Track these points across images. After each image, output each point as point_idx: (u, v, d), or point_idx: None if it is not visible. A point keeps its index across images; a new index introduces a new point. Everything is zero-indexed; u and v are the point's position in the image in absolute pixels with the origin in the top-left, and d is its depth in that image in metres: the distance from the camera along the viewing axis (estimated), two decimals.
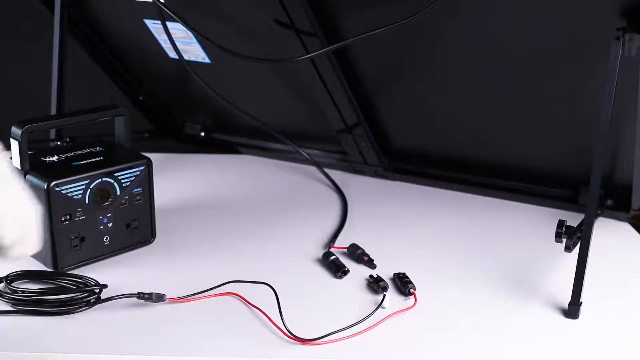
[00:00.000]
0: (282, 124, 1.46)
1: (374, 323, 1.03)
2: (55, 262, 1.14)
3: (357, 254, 1.19)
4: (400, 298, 1.10)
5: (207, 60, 1.53)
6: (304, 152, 1.53)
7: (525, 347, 1.01)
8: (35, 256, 1.14)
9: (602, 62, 1.11)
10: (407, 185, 1.26)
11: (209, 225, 1.32)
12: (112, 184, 1.17)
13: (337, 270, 1.15)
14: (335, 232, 1.29)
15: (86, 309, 1.06)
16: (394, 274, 1.14)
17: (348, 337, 1.00)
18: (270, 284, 1.09)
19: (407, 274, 1.13)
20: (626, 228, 1.33)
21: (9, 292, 1.07)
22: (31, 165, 1.15)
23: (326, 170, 1.54)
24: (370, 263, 1.17)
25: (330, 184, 1.49)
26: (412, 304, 1.08)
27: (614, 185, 1.32)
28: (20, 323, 1.04)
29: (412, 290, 1.10)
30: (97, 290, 1.08)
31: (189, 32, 1.43)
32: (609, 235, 1.28)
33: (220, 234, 1.29)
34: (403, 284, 1.11)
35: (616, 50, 1.09)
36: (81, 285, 1.09)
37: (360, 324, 1.02)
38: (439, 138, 1.46)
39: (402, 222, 1.32)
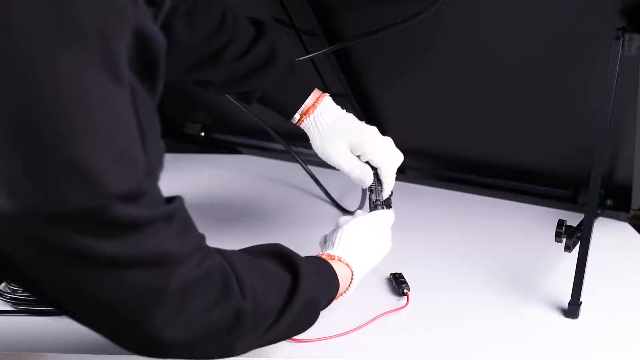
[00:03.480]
0: (281, 124, 1.46)
1: (365, 322, 1.03)
2: None
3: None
4: (394, 298, 1.10)
5: None
6: (297, 150, 1.52)
7: (524, 347, 1.01)
8: None
9: (602, 62, 1.11)
10: (406, 185, 1.26)
11: (208, 225, 1.31)
12: None
13: None
14: None
15: None
16: (390, 274, 1.14)
17: (339, 335, 1.01)
18: None
19: (404, 274, 1.13)
20: (626, 228, 1.33)
21: (9, 292, 1.07)
22: None
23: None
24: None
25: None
26: (404, 304, 1.08)
27: (614, 185, 1.32)
28: (20, 323, 1.04)
29: (405, 290, 1.10)
30: None
31: None
32: (609, 235, 1.28)
33: (219, 234, 1.29)
34: (398, 284, 1.12)
35: (616, 50, 1.09)
36: None
37: (353, 322, 1.02)
38: (439, 138, 1.46)
39: (401, 221, 1.32)
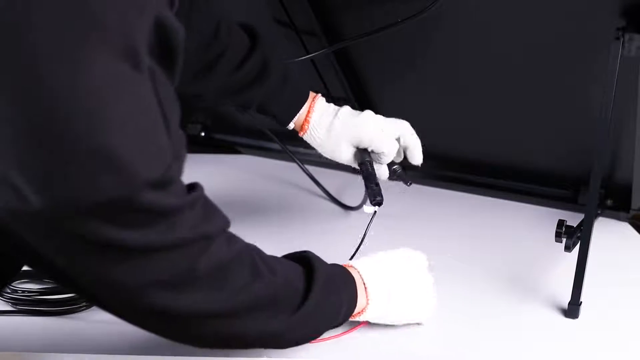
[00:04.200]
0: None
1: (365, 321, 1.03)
2: None
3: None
4: None
5: None
6: (297, 151, 1.53)
7: (524, 347, 1.00)
8: None
9: (602, 62, 1.11)
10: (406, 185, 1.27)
11: None
12: None
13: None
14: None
15: (86, 309, 1.06)
16: None
17: (338, 335, 1.00)
18: None
19: None
20: (626, 228, 1.33)
21: (9, 292, 1.07)
22: None
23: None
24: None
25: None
26: None
27: (614, 185, 1.32)
28: (20, 323, 1.04)
29: None
30: None
31: None
32: (609, 235, 1.28)
33: None
34: None
35: (616, 50, 1.09)
36: None
37: (351, 321, 1.02)
38: (439, 138, 1.46)
39: (401, 222, 1.32)
